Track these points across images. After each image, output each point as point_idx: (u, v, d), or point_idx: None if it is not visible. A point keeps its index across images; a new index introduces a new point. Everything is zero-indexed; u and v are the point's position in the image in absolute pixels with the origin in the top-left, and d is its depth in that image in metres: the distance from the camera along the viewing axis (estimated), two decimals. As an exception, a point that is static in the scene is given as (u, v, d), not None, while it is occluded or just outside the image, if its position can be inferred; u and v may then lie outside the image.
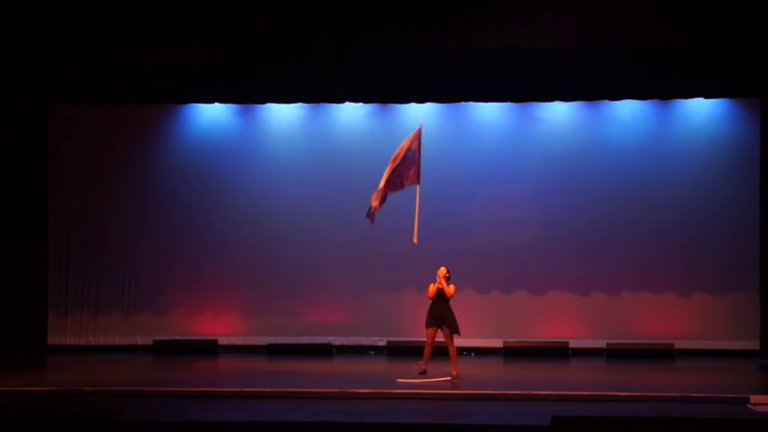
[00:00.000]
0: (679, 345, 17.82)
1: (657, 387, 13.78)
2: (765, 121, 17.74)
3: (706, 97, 17.81)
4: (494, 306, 18.22)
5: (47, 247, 18.68)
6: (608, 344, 17.93)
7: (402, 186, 14.81)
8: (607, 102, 18.18)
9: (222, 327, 18.63)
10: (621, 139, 18.22)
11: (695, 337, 17.94)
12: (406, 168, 14.73)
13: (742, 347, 17.68)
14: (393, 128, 17.81)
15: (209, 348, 18.34)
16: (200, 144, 18.77)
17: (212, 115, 18.80)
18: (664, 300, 18.05)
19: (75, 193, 18.74)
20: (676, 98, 17.98)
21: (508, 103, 18.33)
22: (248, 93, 18.16)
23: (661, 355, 17.67)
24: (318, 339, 18.43)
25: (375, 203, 14.63)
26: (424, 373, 14.65)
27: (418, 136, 14.89)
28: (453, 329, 14.70)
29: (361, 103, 18.50)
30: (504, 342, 18.06)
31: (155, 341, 18.55)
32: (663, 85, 17.39)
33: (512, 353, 17.90)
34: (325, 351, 18.23)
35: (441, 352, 14.94)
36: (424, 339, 14.87)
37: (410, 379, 14.40)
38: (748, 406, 12.54)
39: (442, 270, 14.82)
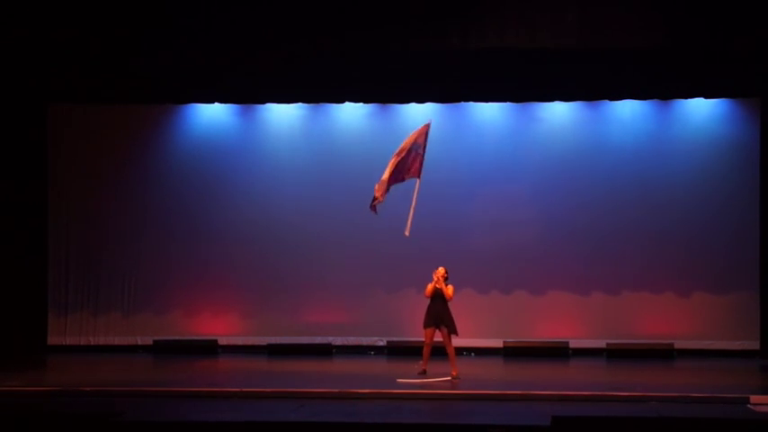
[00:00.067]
0: (679, 345, 17.82)
1: (657, 387, 13.78)
2: (765, 121, 17.74)
3: (706, 97, 17.81)
4: (494, 306, 18.21)
5: (46, 246, 18.67)
6: (608, 344, 17.93)
7: (403, 179, 14.79)
8: (607, 102, 18.18)
9: (222, 327, 18.63)
10: (621, 139, 18.22)
11: (695, 337, 17.94)
12: (411, 162, 14.70)
13: (742, 347, 17.68)
14: (393, 128, 17.81)
15: (209, 348, 18.34)
16: (200, 144, 18.77)
17: (212, 115, 18.80)
18: (664, 300, 18.04)
19: (75, 193, 18.73)
20: (676, 98, 17.98)
21: (508, 103, 18.33)
22: (248, 93, 18.16)
23: (661, 355, 17.67)
24: (318, 339, 18.42)
25: (378, 194, 14.56)
26: (423, 374, 14.64)
27: (426, 131, 14.85)
28: (451, 330, 14.69)
29: (361, 103, 18.51)
30: (504, 342, 18.05)
31: (155, 341, 18.54)
32: (663, 85, 17.37)
33: (512, 353, 17.90)
34: (325, 351, 18.22)
35: (440, 352, 14.93)
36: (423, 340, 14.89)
37: (410, 379, 14.39)
38: (748, 406, 12.55)
39: (440, 270, 14.80)
